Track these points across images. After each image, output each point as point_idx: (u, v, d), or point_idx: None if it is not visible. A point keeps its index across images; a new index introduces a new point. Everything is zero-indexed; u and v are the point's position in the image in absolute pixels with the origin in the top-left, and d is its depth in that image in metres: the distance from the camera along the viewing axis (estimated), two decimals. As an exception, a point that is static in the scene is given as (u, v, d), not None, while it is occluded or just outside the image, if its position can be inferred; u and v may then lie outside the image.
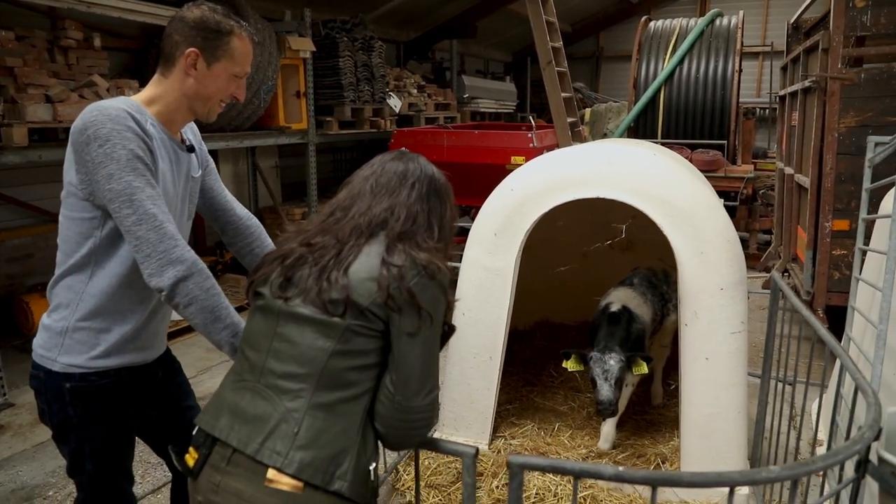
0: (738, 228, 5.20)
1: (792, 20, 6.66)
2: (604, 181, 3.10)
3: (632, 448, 3.32)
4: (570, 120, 6.92)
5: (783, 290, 2.91)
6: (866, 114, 4.48)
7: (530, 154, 5.73)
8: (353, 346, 1.49)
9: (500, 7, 10.58)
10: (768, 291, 3.16)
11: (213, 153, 6.51)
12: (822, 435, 3.20)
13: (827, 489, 2.43)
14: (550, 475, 2.95)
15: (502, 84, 12.70)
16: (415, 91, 9.09)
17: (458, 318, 3.27)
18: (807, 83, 5.09)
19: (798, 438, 2.75)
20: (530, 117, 9.41)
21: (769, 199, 7.98)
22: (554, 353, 3.73)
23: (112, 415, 1.89)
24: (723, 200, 4.46)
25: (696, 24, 9.34)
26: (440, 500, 2.94)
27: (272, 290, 1.56)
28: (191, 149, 1.96)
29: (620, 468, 1.32)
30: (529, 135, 6.28)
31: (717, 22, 9.38)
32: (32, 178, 5.47)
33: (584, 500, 2.91)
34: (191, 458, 1.56)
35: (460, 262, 3.36)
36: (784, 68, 6.96)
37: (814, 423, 3.64)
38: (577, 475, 1.38)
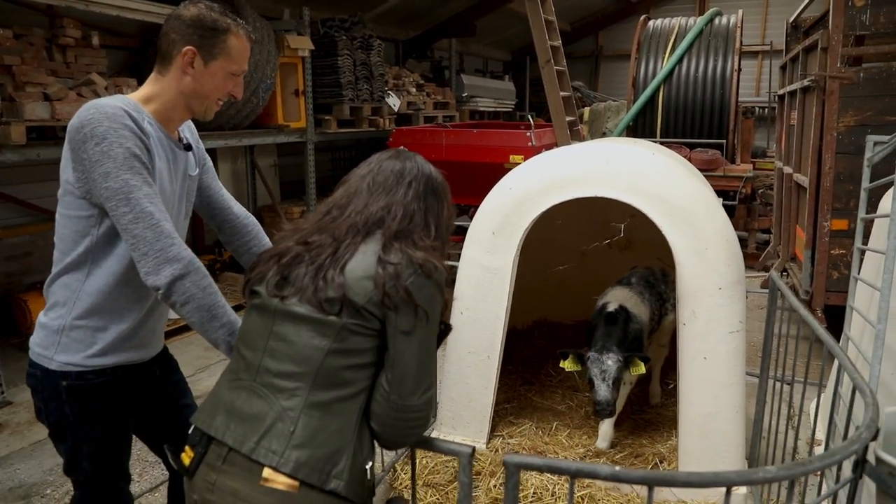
0: (736, 228, 5.20)
1: (791, 19, 6.66)
2: (602, 180, 3.09)
3: (630, 447, 3.32)
4: (568, 119, 6.91)
5: (782, 290, 2.91)
6: (865, 113, 4.47)
7: (529, 153, 5.72)
8: (349, 344, 1.49)
9: (499, 6, 10.56)
10: (767, 291, 3.15)
11: (211, 151, 6.52)
12: (821, 434, 3.20)
13: (825, 489, 2.43)
14: (548, 474, 2.94)
15: (501, 83, 12.69)
16: (414, 90, 9.08)
17: (456, 317, 3.27)
18: (806, 82, 5.09)
19: (796, 438, 2.75)
20: (529, 116, 9.41)
21: (768, 199, 7.98)
22: (552, 352, 3.72)
23: (109, 413, 1.89)
24: (722, 200, 4.47)
25: (696, 23, 9.34)
26: (438, 498, 2.94)
27: (268, 288, 1.56)
28: (188, 147, 1.96)
29: (617, 468, 1.31)
30: (528, 134, 6.27)
31: (717, 21, 9.38)
32: (31, 177, 5.46)
33: (582, 499, 2.90)
34: (187, 456, 1.55)
35: (458, 260, 3.36)
36: (783, 67, 6.96)
37: (812, 422, 3.64)
38: (574, 475, 1.38)
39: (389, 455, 3.29)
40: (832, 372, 3.22)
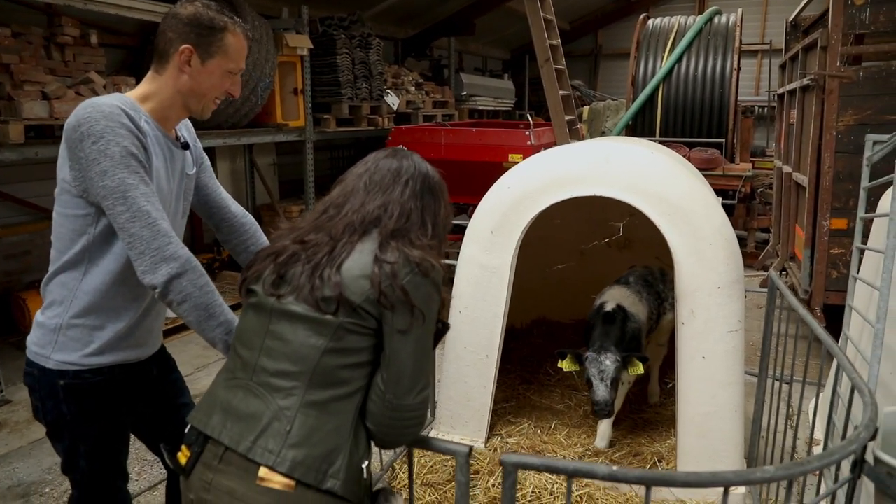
0: (736, 227, 5.20)
1: (791, 18, 6.66)
2: (601, 179, 3.09)
3: (628, 447, 3.32)
4: (568, 118, 6.90)
5: (780, 289, 2.90)
6: (865, 112, 4.47)
7: (528, 152, 5.72)
8: (345, 343, 1.48)
9: (498, 4, 10.56)
10: (766, 290, 3.15)
11: (210, 150, 6.52)
12: (819, 434, 3.20)
13: (823, 489, 2.43)
14: (547, 474, 2.94)
15: (500, 82, 12.68)
16: (413, 88, 9.07)
17: (454, 316, 3.27)
18: (805, 81, 5.08)
19: (795, 437, 2.75)
20: (528, 115, 9.40)
21: (767, 198, 7.98)
22: (551, 351, 3.72)
23: (106, 412, 1.88)
24: (721, 199, 4.47)
25: (695, 21, 9.33)
26: (436, 497, 2.94)
27: (265, 287, 1.55)
28: (185, 146, 1.96)
29: (614, 468, 1.31)
30: (527, 132, 6.27)
31: (716, 20, 9.37)
32: (29, 175, 5.46)
33: (581, 498, 2.90)
34: (183, 456, 1.55)
35: (457, 259, 3.36)
36: (783, 66, 6.96)
37: (811, 422, 3.64)
38: (571, 474, 1.37)
39: (388, 454, 3.29)
40: (831, 371, 3.22)
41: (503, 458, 1.37)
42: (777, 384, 2.95)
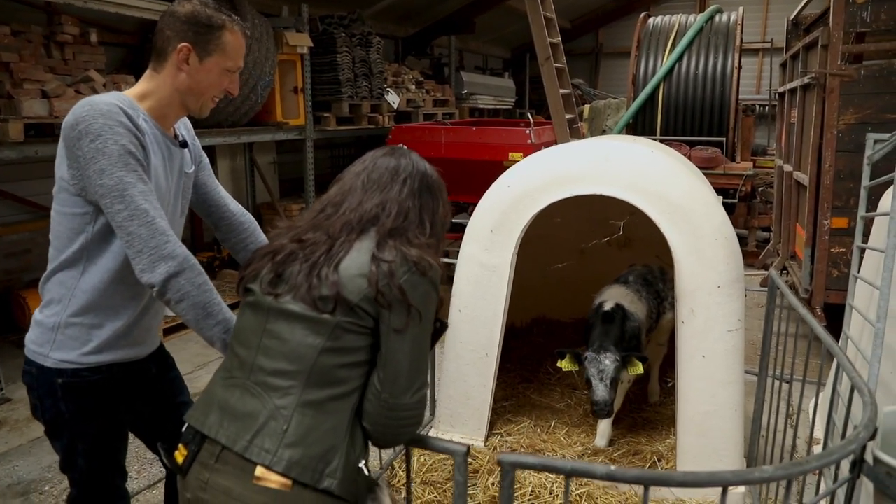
0: (736, 226, 5.19)
1: (792, 16, 6.64)
2: (602, 178, 3.08)
3: (628, 445, 3.31)
4: (568, 116, 6.89)
5: (781, 288, 2.90)
6: (866, 111, 4.46)
7: (528, 150, 5.71)
8: (342, 343, 1.48)
9: (498, 3, 10.55)
10: (766, 289, 3.15)
11: (210, 149, 6.51)
12: (819, 433, 3.20)
13: (823, 488, 2.42)
14: (546, 473, 2.94)
15: (501, 80, 12.68)
16: (413, 87, 9.07)
17: (454, 315, 3.26)
18: (806, 80, 5.08)
19: (795, 436, 2.74)
20: (528, 114, 9.39)
21: (768, 197, 7.97)
22: (550, 350, 3.72)
23: (104, 411, 1.88)
24: (721, 197, 4.45)
25: (696, 20, 9.32)
26: (436, 496, 2.93)
27: (262, 286, 1.55)
28: (184, 144, 1.95)
29: (612, 467, 1.31)
30: (527, 131, 6.26)
31: (717, 18, 9.36)
32: (29, 174, 5.46)
33: (580, 497, 2.90)
34: (180, 454, 1.55)
35: (457, 258, 3.35)
36: (783, 65, 6.95)
37: (811, 421, 3.63)
38: (569, 474, 1.37)
39: (387, 453, 3.29)
40: (831, 370, 3.21)
41: (500, 457, 1.37)
42: (777, 383, 2.95)
